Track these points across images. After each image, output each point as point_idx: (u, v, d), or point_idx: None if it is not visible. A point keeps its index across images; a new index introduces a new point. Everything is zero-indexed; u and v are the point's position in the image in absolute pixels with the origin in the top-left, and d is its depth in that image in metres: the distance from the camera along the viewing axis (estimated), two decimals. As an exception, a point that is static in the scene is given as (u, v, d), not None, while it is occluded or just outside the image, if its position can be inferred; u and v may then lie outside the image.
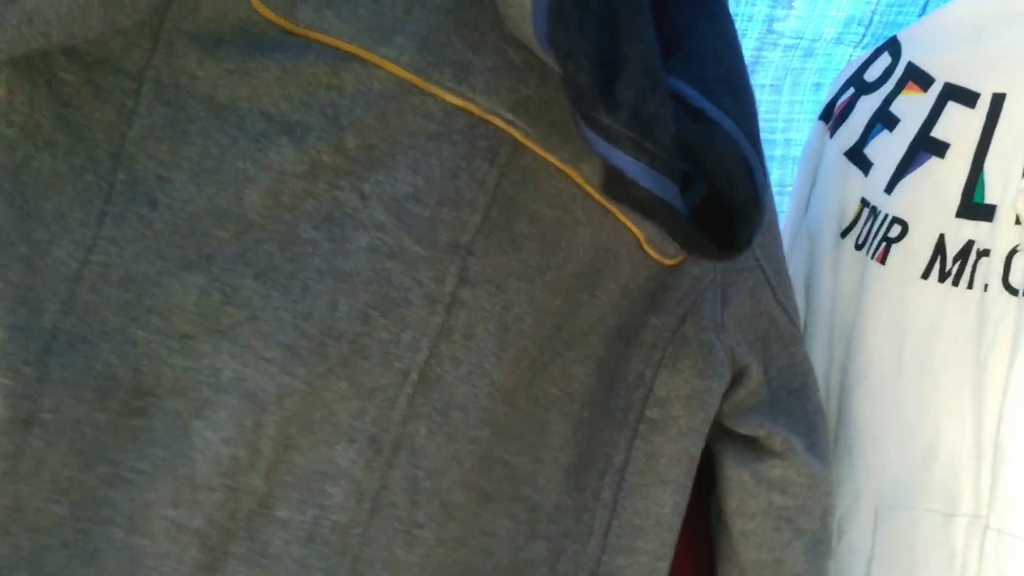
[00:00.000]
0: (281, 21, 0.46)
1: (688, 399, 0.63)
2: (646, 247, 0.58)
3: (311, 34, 0.46)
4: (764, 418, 0.66)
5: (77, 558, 0.46)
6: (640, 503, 0.62)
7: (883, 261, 0.70)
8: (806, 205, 0.78)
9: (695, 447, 0.64)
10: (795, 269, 0.75)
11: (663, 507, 0.63)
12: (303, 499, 0.49)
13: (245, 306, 0.47)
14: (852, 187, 0.74)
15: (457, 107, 0.49)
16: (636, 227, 0.56)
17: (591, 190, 0.53)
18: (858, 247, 0.72)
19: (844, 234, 0.74)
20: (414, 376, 0.51)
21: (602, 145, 0.46)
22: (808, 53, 0.85)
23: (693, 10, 0.53)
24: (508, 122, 0.50)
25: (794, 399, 0.68)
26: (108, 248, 0.46)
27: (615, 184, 0.47)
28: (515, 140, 0.51)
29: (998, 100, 0.66)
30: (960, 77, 0.68)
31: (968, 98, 0.68)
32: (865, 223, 0.72)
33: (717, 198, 0.49)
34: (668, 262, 0.59)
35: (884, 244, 0.70)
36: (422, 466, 0.52)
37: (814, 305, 0.74)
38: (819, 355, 0.73)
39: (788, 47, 0.85)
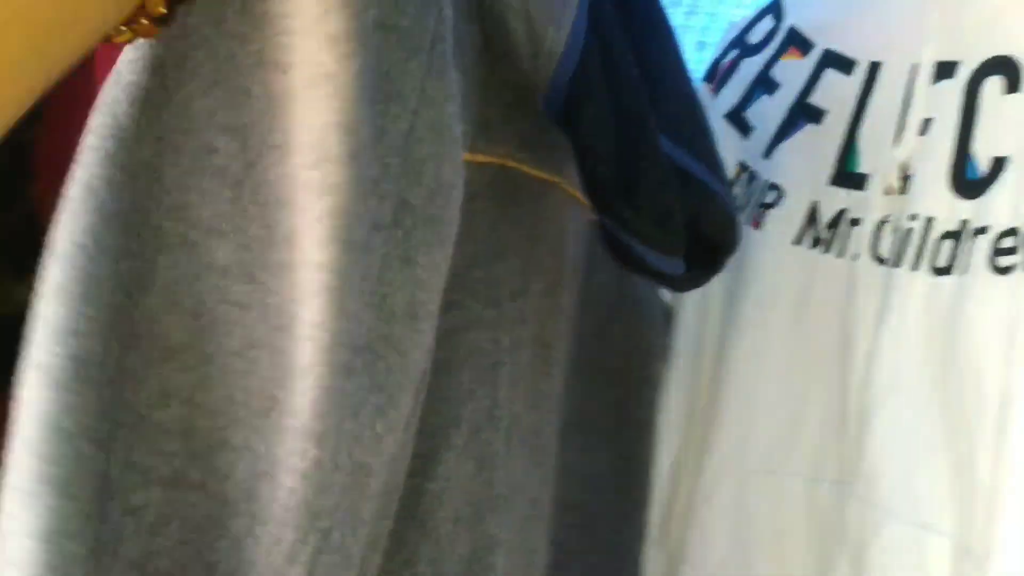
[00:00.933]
0: None
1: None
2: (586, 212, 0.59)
3: None
4: None
5: None
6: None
7: (758, 226, 0.70)
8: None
9: None
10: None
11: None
12: None
13: None
14: (731, 150, 0.73)
15: (482, 163, 0.49)
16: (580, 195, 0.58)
17: (574, 192, 0.55)
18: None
19: (721, 198, 0.73)
20: None
21: (621, 233, 0.49)
22: (691, 11, 0.84)
23: (648, 34, 0.53)
24: (518, 160, 0.51)
25: None
26: None
27: (630, 262, 0.51)
28: (523, 172, 0.52)
29: (874, 69, 0.66)
30: (839, 44, 0.68)
31: (845, 65, 0.67)
32: (743, 188, 0.72)
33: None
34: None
35: (760, 209, 0.70)
36: None
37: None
38: (692, 320, 0.73)
39: (672, 3, 0.83)
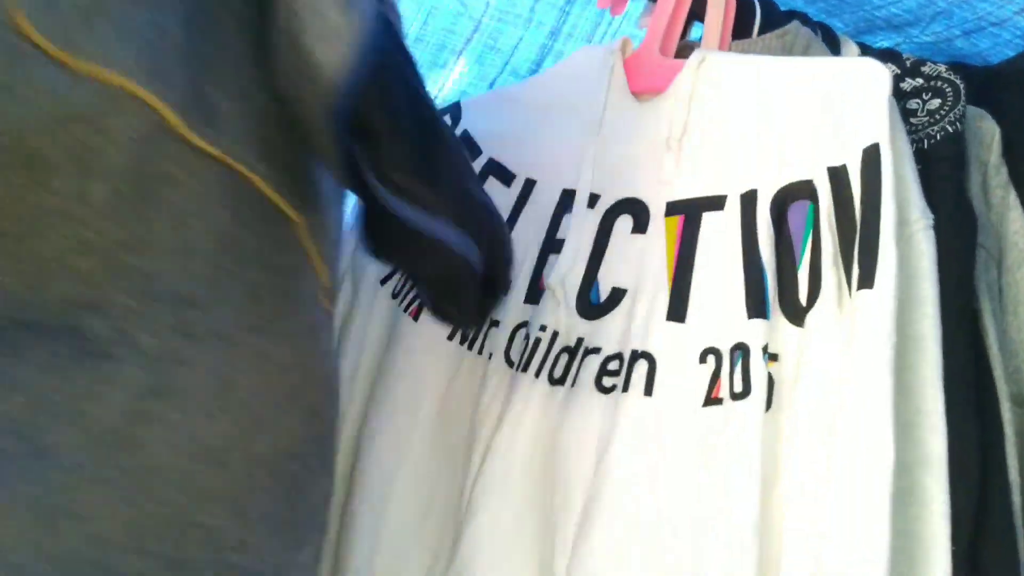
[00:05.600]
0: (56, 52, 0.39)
1: None
2: None
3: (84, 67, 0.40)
4: None
5: None
6: None
7: (416, 317, 0.72)
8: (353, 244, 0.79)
9: None
10: (336, 309, 0.75)
11: None
12: None
13: None
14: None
15: (210, 155, 0.45)
16: None
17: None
18: (394, 296, 0.75)
19: (383, 281, 0.76)
20: None
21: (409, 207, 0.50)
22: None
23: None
24: (251, 169, 0.47)
25: None
26: None
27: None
28: (256, 187, 0.48)
29: (529, 185, 0.71)
30: (503, 156, 0.73)
31: (505, 177, 0.72)
32: (402, 274, 0.74)
33: None
34: None
35: (417, 302, 0.73)
36: None
37: (344, 342, 0.75)
38: (343, 392, 0.74)
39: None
